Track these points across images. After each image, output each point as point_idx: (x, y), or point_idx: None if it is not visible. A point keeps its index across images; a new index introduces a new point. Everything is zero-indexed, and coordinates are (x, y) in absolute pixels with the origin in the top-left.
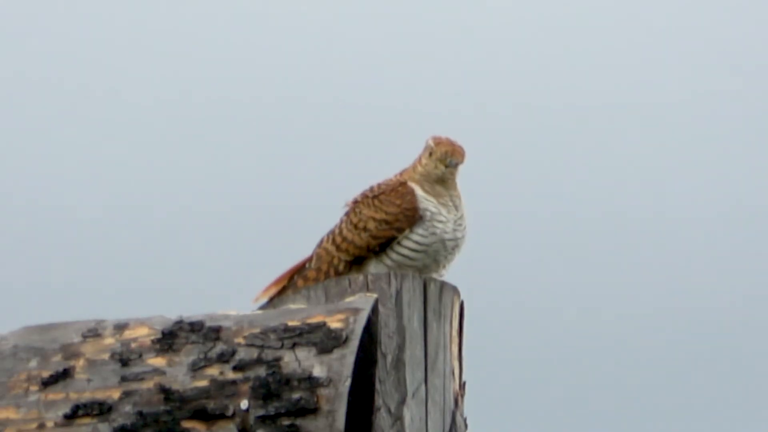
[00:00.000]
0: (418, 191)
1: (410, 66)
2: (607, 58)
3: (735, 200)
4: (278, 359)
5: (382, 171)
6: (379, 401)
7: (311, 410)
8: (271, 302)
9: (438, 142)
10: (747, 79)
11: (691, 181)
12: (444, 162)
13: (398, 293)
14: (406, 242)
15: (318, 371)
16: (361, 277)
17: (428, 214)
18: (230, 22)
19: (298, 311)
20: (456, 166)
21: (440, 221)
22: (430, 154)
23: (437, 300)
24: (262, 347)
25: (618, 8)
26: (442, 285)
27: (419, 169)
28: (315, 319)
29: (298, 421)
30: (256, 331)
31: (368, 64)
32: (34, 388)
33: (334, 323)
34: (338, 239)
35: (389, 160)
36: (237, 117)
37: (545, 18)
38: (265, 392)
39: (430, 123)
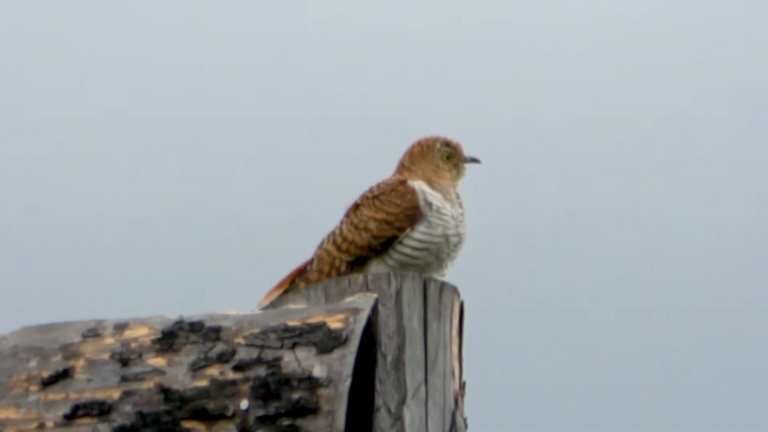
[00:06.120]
0: (424, 187)
1: (408, 69)
2: (605, 63)
3: (734, 202)
4: (278, 359)
5: (383, 172)
6: (379, 401)
7: (311, 410)
8: (272, 304)
9: (447, 142)
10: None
11: (688, 181)
12: (463, 159)
13: (398, 293)
14: (407, 241)
15: (318, 371)
16: (361, 277)
17: (431, 209)
18: (226, 30)
19: (298, 311)
20: (474, 161)
21: (444, 215)
22: (449, 157)
23: (437, 300)
24: (262, 347)
25: (622, 15)
26: (442, 285)
27: (442, 172)
28: (315, 319)
29: (298, 421)
30: (256, 331)
31: (368, 67)
32: (34, 388)
33: (334, 323)
34: (339, 240)
35: (390, 161)
36: (237, 118)
37: (543, 22)
38: (265, 392)
39: (430, 124)
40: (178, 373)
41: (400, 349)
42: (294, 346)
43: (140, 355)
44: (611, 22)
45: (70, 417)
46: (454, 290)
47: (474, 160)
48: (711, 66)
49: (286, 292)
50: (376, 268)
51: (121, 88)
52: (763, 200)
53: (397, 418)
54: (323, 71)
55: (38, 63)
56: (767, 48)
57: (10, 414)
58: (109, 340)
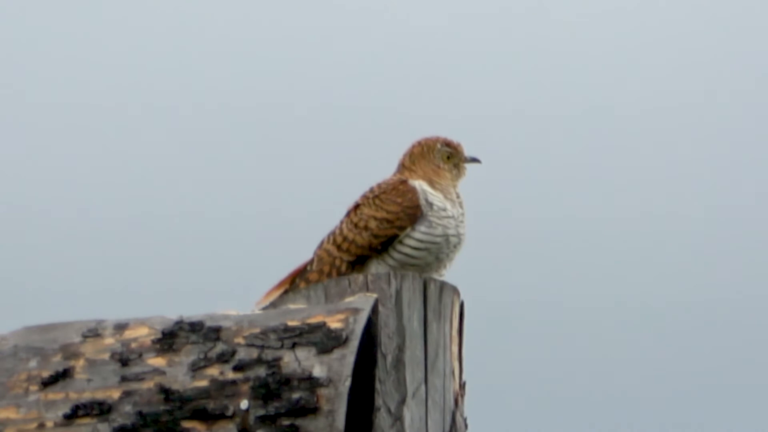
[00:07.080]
0: (425, 186)
1: (408, 68)
2: (604, 61)
3: (726, 201)
4: (278, 359)
5: (384, 172)
6: (379, 401)
7: (311, 410)
8: (272, 304)
9: (448, 143)
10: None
11: (682, 182)
12: (463, 159)
13: (398, 293)
14: (408, 240)
15: (318, 371)
16: (361, 277)
17: (431, 209)
18: (227, 30)
19: (298, 311)
20: (475, 161)
21: (445, 216)
22: (449, 157)
23: (437, 300)
24: (262, 347)
25: (625, 13)
26: (442, 285)
27: (442, 172)
28: (315, 319)
29: (298, 421)
30: (256, 331)
31: (368, 68)
32: (34, 388)
33: (334, 323)
34: (339, 239)
35: (390, 161)
36: (236, 118)
37: (543, 20)
38: (265, 392)
39: (430, 124)
40: (178, 373)
41: (400, 349)
42: (294, 346)
43: (140, 355)
44: (611, 20)
45: (70, 417)
46: (454, 290)
47: (474, 160)
48: (710, 65)
49: (286, 292)
50: (376, 268)
51: (120, 86)
52: (763, 194)
53: (397, 418)
54: (323, 71)
55: (37, 60)
56: (764, 44)
57: (10, 414)
58: (109, 340)
